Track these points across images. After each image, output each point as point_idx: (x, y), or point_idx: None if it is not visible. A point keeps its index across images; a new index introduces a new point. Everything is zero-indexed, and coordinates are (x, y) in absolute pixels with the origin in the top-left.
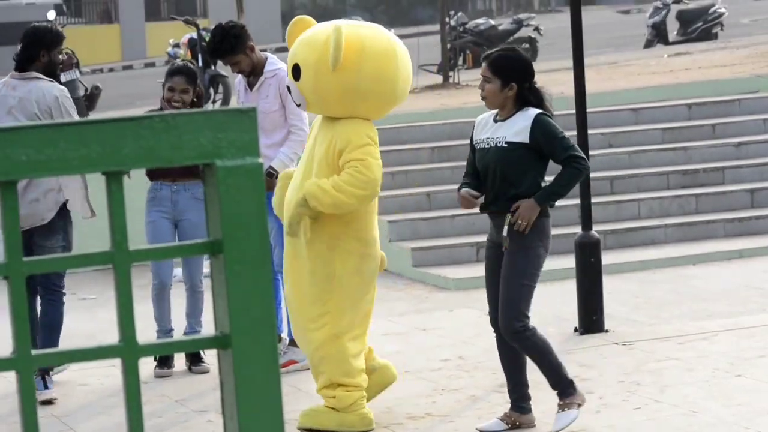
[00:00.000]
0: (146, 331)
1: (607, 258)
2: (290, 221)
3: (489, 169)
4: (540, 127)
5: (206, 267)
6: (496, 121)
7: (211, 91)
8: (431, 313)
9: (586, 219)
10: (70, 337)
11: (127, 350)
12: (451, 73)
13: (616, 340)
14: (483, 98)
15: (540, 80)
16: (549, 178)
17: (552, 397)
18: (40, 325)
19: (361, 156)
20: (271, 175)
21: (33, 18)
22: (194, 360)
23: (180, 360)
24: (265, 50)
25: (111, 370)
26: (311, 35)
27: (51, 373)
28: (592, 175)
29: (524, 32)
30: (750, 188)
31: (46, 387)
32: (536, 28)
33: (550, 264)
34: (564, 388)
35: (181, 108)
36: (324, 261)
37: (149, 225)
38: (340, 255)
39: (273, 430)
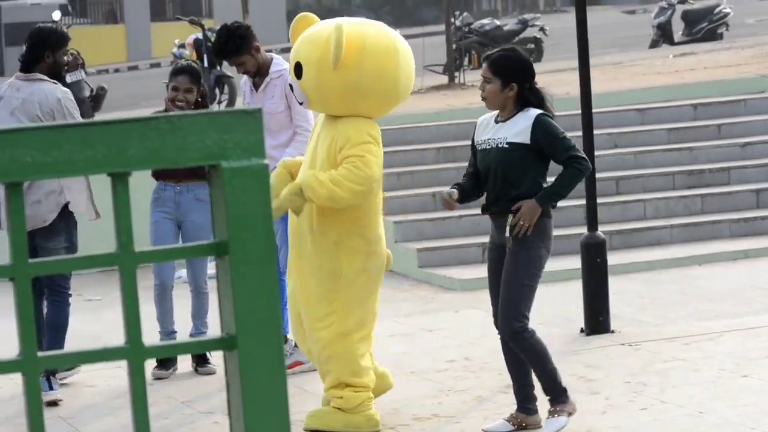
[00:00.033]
0: (152, 333)
1: (613, 258)
2: (279, 206)
3: (490, 170)
4: (541, 127)
5: (211, 268)
6: (497, 122)
7: (217, 91)
8: (437, 314)
9: (592, 219)
10: (76, 338)
11: (133, 352)
12: (456, 74)
13: (622, 341)
14: (483, 99)
15: (545, 80)
16: (550, 179)
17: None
18: (46, 326)
19: (360, 152)
20: None
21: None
22: (200, 361)
23: (186, 361)
24: (270, 51)
25: (118, 372)
26: (313, 33)
27: (58, 375)
28: (597, 175)
29: (529, 32)
30: (756, 188)
31: (51, 388)
32: (541, 29)
33: (556, 264)
34: (557, 395)
35: (185, 107)
36: (330, 259)
37: (152, 225)
38: (346, 254)
39: (279, 431)
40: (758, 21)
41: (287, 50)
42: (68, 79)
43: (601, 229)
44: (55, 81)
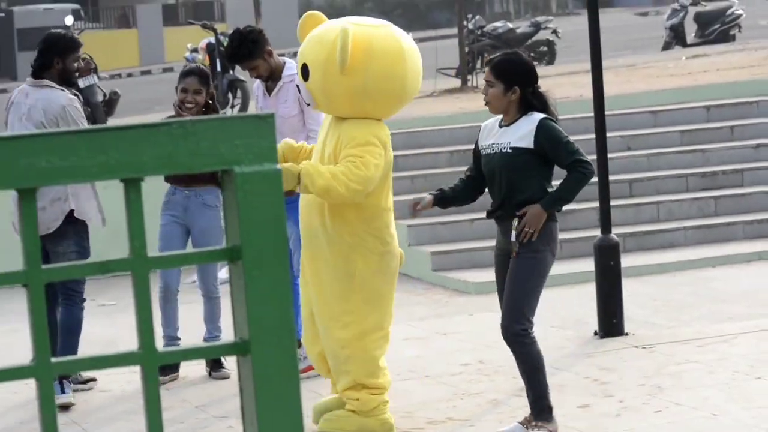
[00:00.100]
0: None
1: (627, 261)
2: None
3: (494, 175)
4: (544, 131)
5: (224, 273)
6: (501, 126)
7: (230, 95)
8: (451, 318)
9: (605, 222)
10: (91, 343)
11: (146, 357)
12: (469, 77)
13: (636, 343)
14: (486, 103)
15: (559, 83)
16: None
17: (572, 399)
18: (59, 328)
19: (360, 153)
20: None
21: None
22: (215, 365)
23: (200, 365)
24: (283, 55)
25: (132, 377)
26: (320, 34)
27: (73, 387)
28: (610, 177)
29: (542, 35)
30: None
31: (63, 391)
32: (554, 31)
33: (569, 267)
34: (541, 411)
35: (194, 109)
36: (345, 260)
37: (160, 228)
38: (361, 254)
39: None
40: None
41: None
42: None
43: (615, 232)
44: (63, 88)
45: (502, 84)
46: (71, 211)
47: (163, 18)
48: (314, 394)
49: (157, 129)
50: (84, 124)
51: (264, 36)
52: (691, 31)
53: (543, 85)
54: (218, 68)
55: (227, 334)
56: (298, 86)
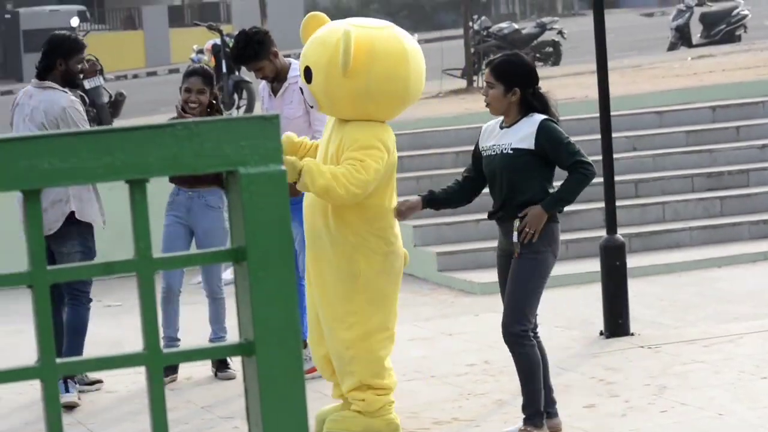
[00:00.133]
0: None
1: (632, 261)
2: None
3: (495, 176)
4: (545, 132)
5: (229, 274)
6: (502, 127)
7: (235, 97)
8: (457, 318)
9: (611, 222)
10: (96, 344)
11: (152, 358)
12: (474, 78)
13: (642, 344)
14: (487, 105)
15: (564, 84)
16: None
17: (578, 399)
18: (65, 328)
19: (361, 156)
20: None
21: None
22: (220, 366)
23: (206, 366)
24: (288, 56)
25: (138, 377)
26: (323, 36)
27: (79, 388)
28: (616, 178)
29: (548, 36)
30: None
31: (67, 391)
32: (560, 32)
33: (575, 267)
34: (533, 415)
35: (197, 109)
36: (348, 261)
37: (164, 229)
38: (364, 255)
39: None
40: None
41: None
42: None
43: (621, 232)
44: (66, 89)
45: (503, 85)
46: (72, 213)
47: (169, 19)
48: (319, 394)
49: (162, 130)
50: (84, 126)
51: (269, 37)
52: (696, 31)
53: (548, 85)
54: (224, 69)
55: (233, 334)
56: (301, 89)
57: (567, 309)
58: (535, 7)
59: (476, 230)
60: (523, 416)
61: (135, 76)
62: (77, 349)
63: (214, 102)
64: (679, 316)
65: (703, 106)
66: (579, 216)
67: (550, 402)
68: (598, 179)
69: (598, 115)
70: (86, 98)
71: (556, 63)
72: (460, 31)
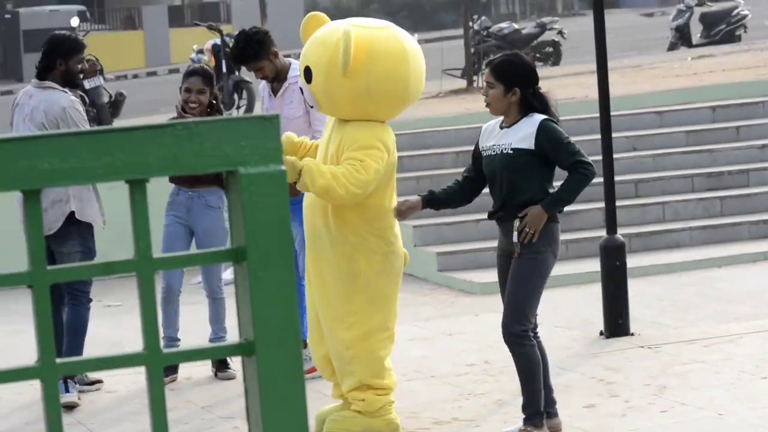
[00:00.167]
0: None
1: (632, 261)
2: None
3: (495, 176)
4: (545, 132)
5: (229, 274)
6: (501, 127)
7: (236, 97)
8: (457, 318)
9: (611, 222)
10: (97, 344)
11: (151, 358)
12: (474, 78)
13: (642, 344)
14: (487, 105)
15: (564, 84)
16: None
17: (578, 399)
18: (65, 328)
19: (361, 157)
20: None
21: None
22: (220, 366)
23: (206, 366)
24: (288, 56)
25: (138, 377)
26: (323, 36)
27: (79, 388)
28: (616, 178)
29: (548, 36)
30: None
31: (67, 390)
32: (560, 32)
33: (575, 267)
34: (533, 415)
35: (197, 109)
36: (348, 261)
37: (164, 229)
38: (364, 255)
39: None
40: None
41: None
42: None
43: (621, 232)
44: (66, 89)
45: (503, 85)
46: (73, 213)
47: (169, 19)
48: (319, 394)
49: (162, 130)
50: (84, 126)
51: (269, 37)
52: (696, 31)
53: (549, 85)
54: (224, 69)
55: (233, 334)
56: (301, 89)
57: (567, 309)
58: (535, 7)
59: (476, 230)
60: (523, 416)
61: (135, 76)
62: (77, 349)
63: (214, 102)
64: (679, 316)
65: (703, 106)
66: (579, 216)
67: (550, 402)
68: (598, 179)
69: (598, 115)
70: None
71: (556, 63)
72: (460, 31)
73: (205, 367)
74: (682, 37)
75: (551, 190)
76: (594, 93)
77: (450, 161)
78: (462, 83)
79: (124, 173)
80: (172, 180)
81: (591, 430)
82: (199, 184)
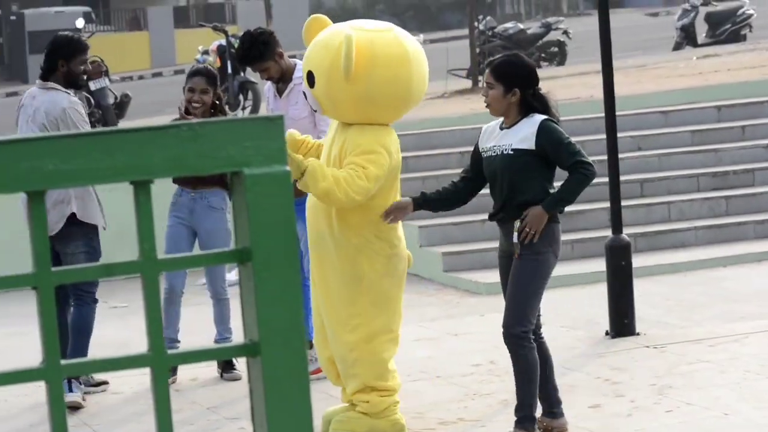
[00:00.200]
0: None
1: (638, 261)
2: None
3: (496, 177)
4: (545, 133)
5: (234, 275)
6: (502, 128)
7: (241, 97)
8: (462, 318)
9: (617, 222)
10: (103, 345)
11: (156, 359)
12: (480, 78)
13: (647, 343)
14: (487, 105)
15: (569, 83)
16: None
17: (583, 399)
18: (70, 329)
19: (364, 163)
20: None
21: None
22: (226, 367)
23: (212, 367)
24: (294, 56)
25: (144, 379)
26: (324, 40)
27: (84, 389)
28: (621, 178)
29: (553, 36)
30: None
31: (70, 390)
32: (565, 32)
33: (580, 267)
34: (524, 418)
35: (200, 109)
36: (352, 263)
37: (167, 230)
38: (368, 257)
39: None
40: None
41: None
42: (92, 86)
43: (626, 232)
44: (68, 90)
45: (502, 86)
46: (73, 214)
47: (174, 20)
48: (325, 395)
49: (166, 131)
50: (83, 128)
51: (275, 38)
52: (701, 31)
53: (554, 85)
54: (229, 70)
55: (239, 335)
56: (304, 93)
57: (572, 309)
58: (540, 7)
59: (482, 230)
60: (515, 418)
61: (140, 77)
62: (82, 349)
63: (217, 102)
64: (684, 315)
65: (708, 105)
66: (584, 216)
67: (556, 402)
68: (603, 179)
69: (603, 114)
70: (92, 99)
71: (561, 63)
72: (466, 32)
73: (210, 368)
74: (687, 37)
75: (552, 191)
76: (599, 93)
77: (455, 161)
78: (467, 83)
79: (128, 174)
80: (175, 181)
81: (596, 430)
82: (202, 185)
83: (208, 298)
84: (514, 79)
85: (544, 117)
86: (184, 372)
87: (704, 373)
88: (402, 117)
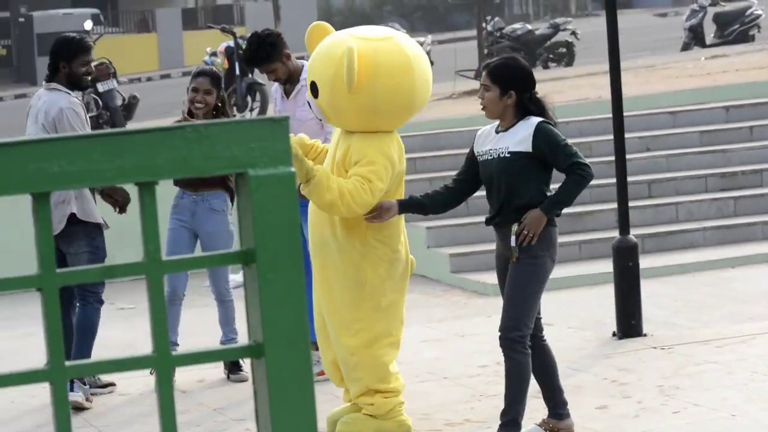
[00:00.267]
0: (182, 339)
1: (646, 262)
2: None
3: (493, 180)
4: (542, 135)
5: (239, 276)
6: (498, 132)
7: (249, 99)
8: (470, 319)
9: (624, 223)
10: (109, 346)
11: (161, 360)
12: None
13: (655, 344)
14: (483, 108)
15: (578, 84)
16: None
17: (591, 400)
18: (75, 328)
19: (369, 176)
20: None
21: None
22: (233, 368)
23: (218, 368)
24: (301, 58)
25: (149, 380)
26: (327, 49)
27: (91, 391)
28: (629, 178)
29: (561, 36)
30: None
31: (72, 389)
32: (573, 33)
33: (588, 268)
34: (509, 423)
35: (203, 109)
36: (355, 268)
37: (168, 233)
38: (371, 263)
39: None
40: None
41: None
42: (100, 88)
43: (634, 233)
44: (70, 91)
45: (498, 88)
46: (73, 214)
47: (183, 22)
48: (329, 396)
49: (172, 132)
50: (78, 128)
51: (282, 39)
52: (710, 31)
53: (562, 86)
54: (237, 72)
55: (245, 337)
56: (309, 102)
57: (580, 310)
58: (548, 8)
59: (489, 232)
60: (500, 422)
61: (149, 79)
62: (86, 350)
63: (220, 104)
64: (693, 316)
65: (716, 106)
66: (592, 217)
67: (561, 403)
68: (611, 180)
69: (611, 115)
70: (100, 101)
71: (569, 64)
72: (474, 32)
73: (217, 370)
74: (695, 37)
75: (549, 193)
76: (607, 93)
77: (463, 162)
78: (475, 84)
79: (133, 176)
80: (176, 183)
81: (603, 431)
82: (203, 187)
83: (212, 300)
84: (510, 82)
85: (540, 119)
86: (191, 373)
87: (712, 374)
88: (405, 123)
